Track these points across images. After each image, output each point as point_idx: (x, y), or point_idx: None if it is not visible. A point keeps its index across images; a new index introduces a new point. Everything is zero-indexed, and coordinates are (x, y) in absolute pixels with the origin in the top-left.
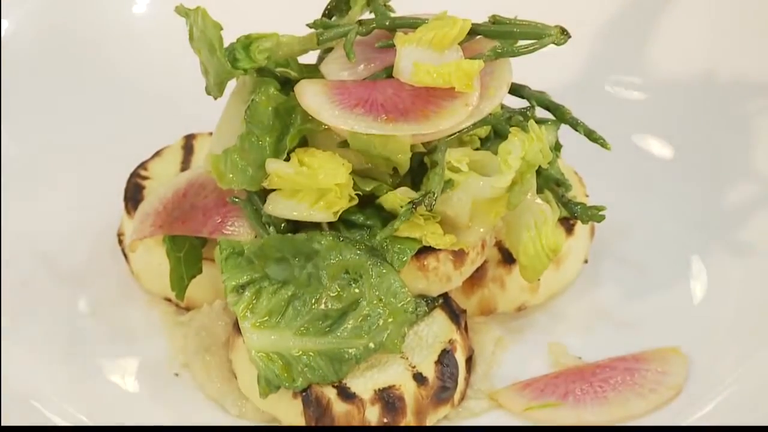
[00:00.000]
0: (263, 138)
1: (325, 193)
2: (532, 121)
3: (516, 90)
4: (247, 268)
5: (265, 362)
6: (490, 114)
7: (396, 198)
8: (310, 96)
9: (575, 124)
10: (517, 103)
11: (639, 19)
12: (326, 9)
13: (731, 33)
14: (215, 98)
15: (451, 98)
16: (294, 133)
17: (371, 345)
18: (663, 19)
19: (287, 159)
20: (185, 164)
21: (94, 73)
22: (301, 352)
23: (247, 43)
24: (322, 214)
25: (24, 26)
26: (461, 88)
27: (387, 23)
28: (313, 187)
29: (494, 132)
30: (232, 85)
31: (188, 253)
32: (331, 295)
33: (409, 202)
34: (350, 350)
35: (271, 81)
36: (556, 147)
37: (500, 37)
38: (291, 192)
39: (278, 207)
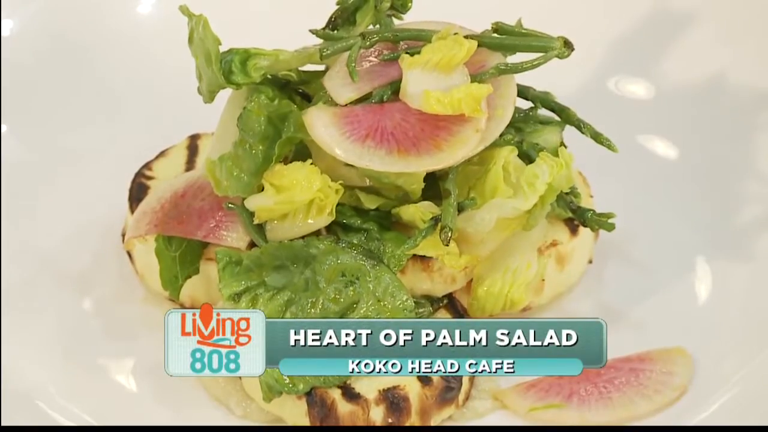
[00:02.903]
0: (256, 146)
1: (311, 202)
2: (563, 148)
3: (521, 92)
4: (244, 277)
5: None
6: (502, 137)
7: (417, 211)
8: (321, 128)
9: (581, 127)
10: (522, 104)
11: (644, 21)
12: (331, 18)
13: (737, 36)
14: (205, 102)
15: (460, 123)
16: (284, 140)
17: None
18: (668, 21)
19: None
20: (190, 164)
21: (99, 72)
22: None
23: (245, 57)
24: (320, 220)
25: (28, 26)
26: (471, 114)
27: (390, 36)
28: (296, 206)
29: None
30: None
31: (184, 253)
32: (329, 297)
33: (432, 218)
34: None
35: (264, 89)
36: None
37: (504, 49)
38: (282, 216)
39: (279, 233)
